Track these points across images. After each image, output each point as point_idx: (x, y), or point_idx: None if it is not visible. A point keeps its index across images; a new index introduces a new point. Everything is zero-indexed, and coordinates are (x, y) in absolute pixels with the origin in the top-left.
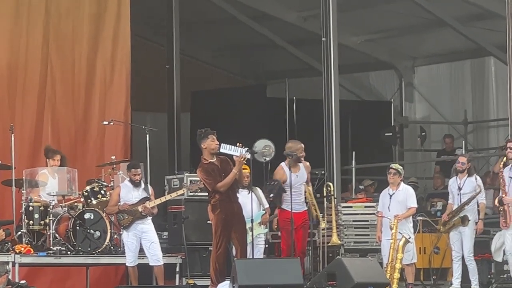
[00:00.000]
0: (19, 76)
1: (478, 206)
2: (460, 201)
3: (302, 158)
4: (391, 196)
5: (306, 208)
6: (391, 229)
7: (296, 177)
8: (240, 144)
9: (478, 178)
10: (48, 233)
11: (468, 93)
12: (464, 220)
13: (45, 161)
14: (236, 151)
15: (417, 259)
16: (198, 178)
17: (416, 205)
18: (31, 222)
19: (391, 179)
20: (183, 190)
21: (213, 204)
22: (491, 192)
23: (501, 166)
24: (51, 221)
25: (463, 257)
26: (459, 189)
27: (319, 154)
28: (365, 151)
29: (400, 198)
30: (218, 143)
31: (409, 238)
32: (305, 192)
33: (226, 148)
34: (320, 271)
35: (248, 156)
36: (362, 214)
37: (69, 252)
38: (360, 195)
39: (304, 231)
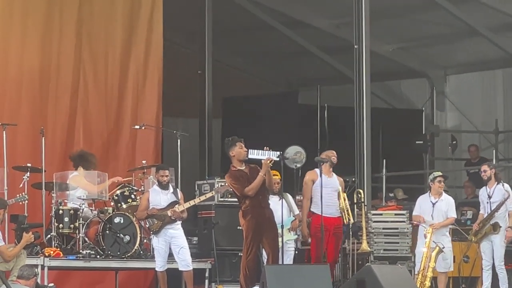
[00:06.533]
0: (51, 79)
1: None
2: (490, 210)
3: (334, 162)
4: (433, 204)
5: (340, 215)
6: (425, 237)
7: (327, 179)
8: (267, 148)
9: (506, 184)
10: (78, 237)
11: (500, 102)
12: (495, 227)
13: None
14: (264, 154)
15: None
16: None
17: (455, 216)
18: (61, 225)
19: (441, 188)
20: (212, 193)
21: (244, 210)
22: None
23: None
24: (80, 224)
25: (493, 266)
26: (489, 197)
27: (350, 161)
28: (396, 159)
29: (443, 207)
30: (246, 149)
31: (443, 247)
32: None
33: (254, 154)
34: (349, 278)
35: (275, 158)
36: (392, 221)
37: (98, 256)
38: (390, 202)
39: (336, 239)
